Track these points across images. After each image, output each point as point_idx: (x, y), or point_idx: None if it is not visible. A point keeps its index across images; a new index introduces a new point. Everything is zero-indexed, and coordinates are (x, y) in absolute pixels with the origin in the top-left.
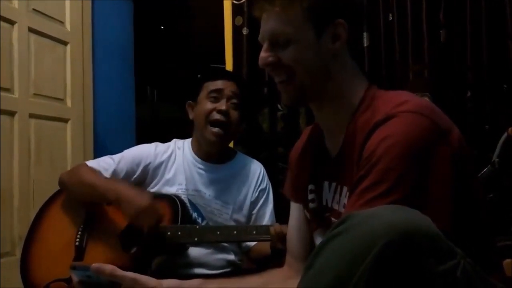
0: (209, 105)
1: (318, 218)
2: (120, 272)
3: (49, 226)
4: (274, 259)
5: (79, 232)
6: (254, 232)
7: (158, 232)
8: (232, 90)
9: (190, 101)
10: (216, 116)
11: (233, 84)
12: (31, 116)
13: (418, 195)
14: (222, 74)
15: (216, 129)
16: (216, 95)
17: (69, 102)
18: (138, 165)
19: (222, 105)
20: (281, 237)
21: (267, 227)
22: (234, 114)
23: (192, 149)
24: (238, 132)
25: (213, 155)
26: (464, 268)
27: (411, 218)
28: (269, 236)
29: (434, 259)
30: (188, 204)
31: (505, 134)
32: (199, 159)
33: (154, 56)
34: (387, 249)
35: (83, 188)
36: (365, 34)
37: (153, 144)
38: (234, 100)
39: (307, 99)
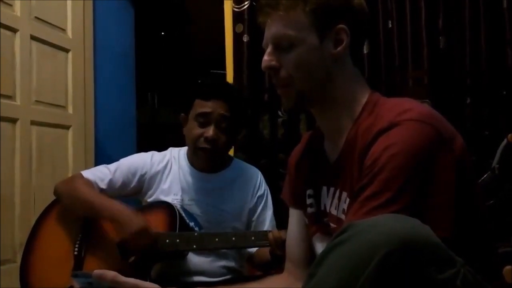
0: (197, 130)
1: (316, 223)
2: (122, 278)
3: (47, 235)
4: (274, 265)
5: (78, 242)
6: (253, 238)
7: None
8: (221, 113)
9: (183, 114)
10: (203, 144)
11: (223, 104)
12: (33, 123)
13: (421, 203)
14: (213, 93)
15: (203, 153)
16: (204, 119)
17: (70, 109)
18: (134, 175)
19: (210, 131)
20: (280, 243)
21: (265, 232)
22: (221, 138)
23: (188, 159)
24: (230, 146)
25: (207, 166)
26: (464, 277)
27: (412, 228)
28: (268, 242)
29: (435, 268)
30: (184, 214)
31: (505, 141)
32: (194, 169)
33: (155, 62)
34: (388, 258)
35: (78, 203)
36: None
37: (149, 153)
38: (223, 124)
39: (307, 104)
